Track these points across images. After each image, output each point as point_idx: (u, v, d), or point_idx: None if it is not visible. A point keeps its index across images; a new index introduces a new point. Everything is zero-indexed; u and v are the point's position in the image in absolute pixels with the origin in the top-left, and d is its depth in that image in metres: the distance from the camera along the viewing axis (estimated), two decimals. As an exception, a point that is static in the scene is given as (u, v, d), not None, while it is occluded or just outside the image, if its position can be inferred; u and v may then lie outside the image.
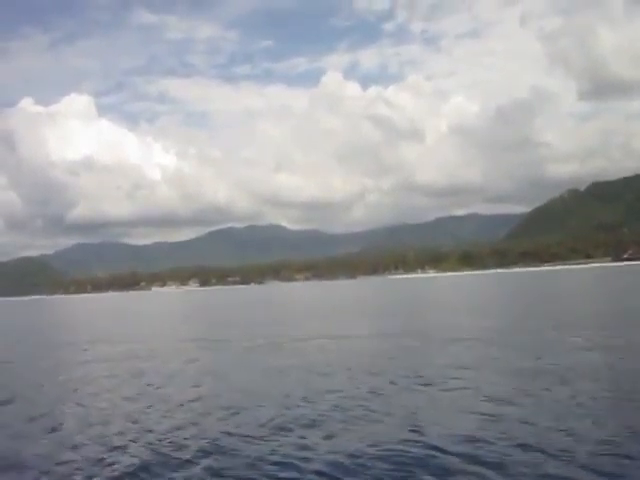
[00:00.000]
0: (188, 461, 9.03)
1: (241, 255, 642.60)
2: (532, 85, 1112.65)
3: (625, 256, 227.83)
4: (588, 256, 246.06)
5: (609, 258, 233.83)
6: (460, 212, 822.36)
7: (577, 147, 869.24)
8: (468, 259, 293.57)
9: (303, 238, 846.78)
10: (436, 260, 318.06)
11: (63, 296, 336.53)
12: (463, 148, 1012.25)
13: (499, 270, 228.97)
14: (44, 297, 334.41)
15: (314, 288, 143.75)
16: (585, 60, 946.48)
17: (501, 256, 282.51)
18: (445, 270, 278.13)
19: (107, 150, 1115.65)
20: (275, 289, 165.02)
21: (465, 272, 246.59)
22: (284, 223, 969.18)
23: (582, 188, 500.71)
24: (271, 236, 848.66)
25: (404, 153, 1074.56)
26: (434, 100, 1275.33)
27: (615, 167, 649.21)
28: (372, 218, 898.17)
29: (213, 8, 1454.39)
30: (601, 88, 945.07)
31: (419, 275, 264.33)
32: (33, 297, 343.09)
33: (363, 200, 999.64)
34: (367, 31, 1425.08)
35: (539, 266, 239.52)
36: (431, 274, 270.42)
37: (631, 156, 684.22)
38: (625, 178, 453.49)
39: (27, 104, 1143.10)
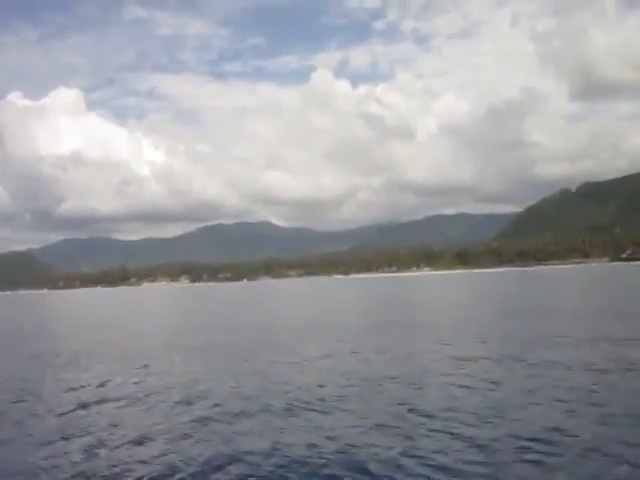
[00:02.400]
0: None
1: (230, 252, 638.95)
2: (523, 85, 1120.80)
3: (624, 256, 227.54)
4: (586, 255, 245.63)
5: (607, 258, 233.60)
6: (450, 211, 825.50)
7: (567, 147, 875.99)
8: (464, 257, 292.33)
9: (293, 235, 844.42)
10: (431, 258, 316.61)
11: (57, 291, 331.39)
12: (453, 147, 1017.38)
13: (499, 269, 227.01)
14: (38, 292, 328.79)
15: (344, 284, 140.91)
16: (576, 61, 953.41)
17: (497, 255, 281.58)
18: (441, 268, 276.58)
19: (96, 145, 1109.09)
20: (283, 286, 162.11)
21: (462, 270, 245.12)
22: (274, 220, 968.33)
23: (572, 188, 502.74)
24: (261, 233, 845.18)
25: (394, 152, 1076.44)
26: (424, 99, 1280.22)
27: (605, 168, 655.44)
28: (362, 216, 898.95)
29: (204, 4, 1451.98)
30: (592, 89, 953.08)
31: (416, 273, 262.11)
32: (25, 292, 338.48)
33: (353, 198, 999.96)
34: (358, 29, 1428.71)
35: (536, 265, 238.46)
36: (427, 272, 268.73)
37: (621, 157, 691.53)
38: (616, 179, 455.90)
39: (16, 98, 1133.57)
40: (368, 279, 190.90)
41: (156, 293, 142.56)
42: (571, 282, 77.73)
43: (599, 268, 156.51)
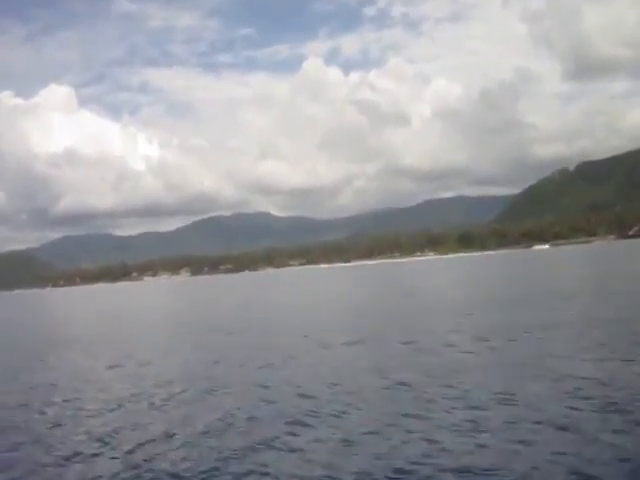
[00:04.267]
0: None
1: (229, 243, 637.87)
2: (516, 66, 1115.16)
3: (631, 233, 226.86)
4: (591, 234, 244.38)
5: (612, 236, 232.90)
6: (447, 195, 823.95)
7: (562, 128, 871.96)
8: (467, 240, 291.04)
9: (290, 225, 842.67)
10: (433, 242, 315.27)
11: (60, 289, 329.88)
12: (448, 131, 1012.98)
13: (504, 251, 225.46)
14: (41, 290, 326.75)
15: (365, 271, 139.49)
16: (569, 40, 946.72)
17: (501, 236, 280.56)
18: (445, 252, 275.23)
19: (90, 141, 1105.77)
20: (288, 274, 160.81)
21: (467, 253, 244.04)
22: (271, 210, 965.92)
23: (570, 168, 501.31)
24: (258, 224, 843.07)
25: (389, 137, 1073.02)
26: (417, 84, 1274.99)
27: (600, 147, 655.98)
28: (359, 203, 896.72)
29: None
30: (585, 68, 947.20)
31: (422, 258, 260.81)
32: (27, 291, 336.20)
33: (349, 186, 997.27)
34: (348, 16, 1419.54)
35: (542, 245, 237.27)
36: (432, 256, 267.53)
37: (617, 135, 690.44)
38: (614, 157, 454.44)
39: (6, 97, 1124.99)
40: (379, 265, 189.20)
41: (169, 286, 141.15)
42: (597, 260, 76.78)
43: (610, 246, 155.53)
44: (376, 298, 39.68)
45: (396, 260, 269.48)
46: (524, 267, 73.87)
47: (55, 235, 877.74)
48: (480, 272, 70.61)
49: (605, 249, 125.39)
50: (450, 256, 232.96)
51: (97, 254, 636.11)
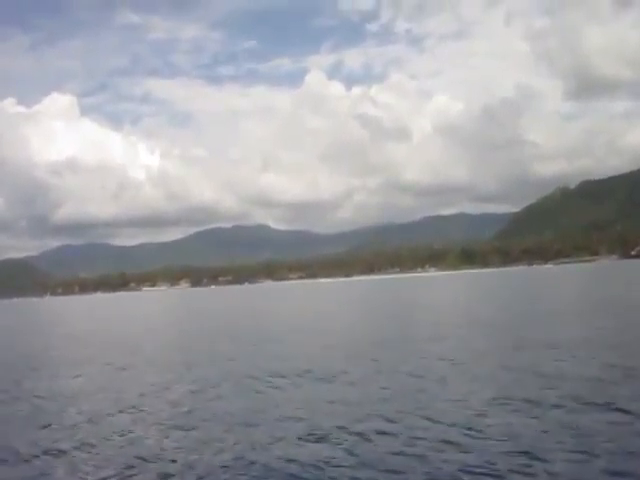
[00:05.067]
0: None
1: (228, 255, 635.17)
2: (517, 84, 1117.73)
3: (633, 253, 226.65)
4: (594, 253, 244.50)
5: (615, 255, 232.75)
6: (447, 212, 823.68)
7: (563, 146, 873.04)
8: (469, 257, 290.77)
9: (290, 238, 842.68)
10: (435, 258, 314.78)
11: (58, 297, 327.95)
12: (449, 147, 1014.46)
13: (507, 269, 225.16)
14: (40, 299, 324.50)
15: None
16: (571, 59, 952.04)
17: (503, 254, 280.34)
18: (446, 268, 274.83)
19: (91, 150, 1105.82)
20: (298, 288, 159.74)
21: (470, 270, 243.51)
22: (271, 223, 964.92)
23: (571, 186, 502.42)
24: (258, 236, 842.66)
25: (390, 152, 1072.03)
26: (419, 99, 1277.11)
27: (601, 166, 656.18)
28: (359, 218, 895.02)
29: (197, 8, 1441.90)
30: (587, 87, 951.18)
31: (425, 274, 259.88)
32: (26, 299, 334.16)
33: (350, 200, 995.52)
34: (351, 31, 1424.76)
35: (544, 263, 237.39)
36: (434, 273, 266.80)
37: (617, 155, 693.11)
38: (615, 176, 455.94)
39: (9, 104, 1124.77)
40: (382, 281, 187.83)
41: (173, 297, 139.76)
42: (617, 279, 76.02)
43: (616, 265, 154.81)
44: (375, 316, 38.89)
45: (398, 275, 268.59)
46: (553, 288, 73.07)
47: (54, 243, 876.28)
48: (498, 292, 69.63)
49: (612, 269, 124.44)
50: (452, 272, 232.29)
51: (96, 263, 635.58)
